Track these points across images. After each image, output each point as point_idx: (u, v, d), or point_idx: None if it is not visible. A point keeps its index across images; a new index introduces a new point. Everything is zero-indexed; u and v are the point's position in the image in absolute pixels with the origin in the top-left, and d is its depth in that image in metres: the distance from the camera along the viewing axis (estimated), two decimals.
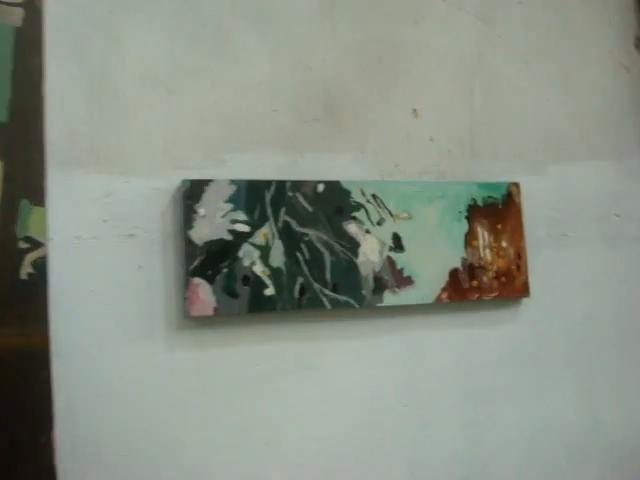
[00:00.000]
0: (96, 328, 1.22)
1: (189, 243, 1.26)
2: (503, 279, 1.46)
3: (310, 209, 1.34)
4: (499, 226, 1.47)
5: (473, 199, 1.46)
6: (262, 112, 1.37)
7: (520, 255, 1.48)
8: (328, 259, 1.34)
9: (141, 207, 1.27)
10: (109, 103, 1.28)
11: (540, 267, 1.53)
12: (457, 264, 1.43)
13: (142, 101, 1.30)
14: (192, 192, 1.27)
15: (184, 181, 1.27)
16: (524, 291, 1.48)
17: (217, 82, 1.35)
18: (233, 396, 1.28)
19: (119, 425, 1.21)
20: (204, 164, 1.32)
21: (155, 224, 1.28)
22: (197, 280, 1.25)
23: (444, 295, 1.41)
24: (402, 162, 1.46)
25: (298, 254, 1.32)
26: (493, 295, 1.45)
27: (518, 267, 1.48)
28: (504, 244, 1.47)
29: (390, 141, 1.46)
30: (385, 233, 1.39)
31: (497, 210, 1.48)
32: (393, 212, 1.40)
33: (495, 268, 1.46)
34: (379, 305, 1.36)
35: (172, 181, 1.29)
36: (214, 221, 1.28)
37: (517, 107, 1.58)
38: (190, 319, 1.27)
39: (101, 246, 1.24)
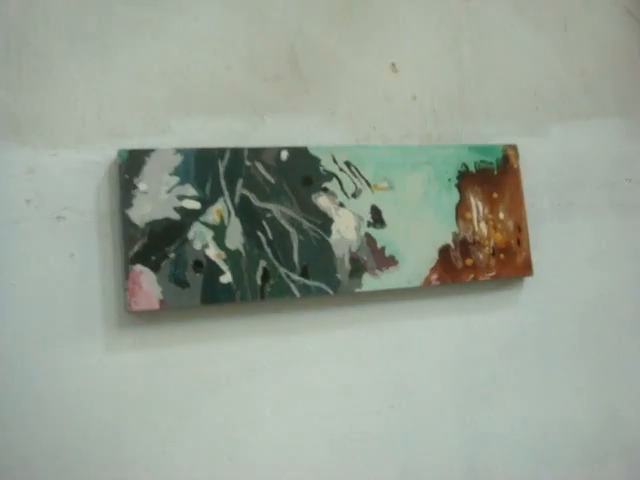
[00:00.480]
0: (19, 328, 1.03)
1: (128, 224, 1.06)
2: (502, 256, 1.27)
3: (272, 180, 1.14)
4: (495, 195, 1.28)
5: (464, 164, 1.26)
6: (214, 70, 1.17)
7: (520, 228, 1.28)
8: (295, 238, 1.14)
9: (71, 184, 1.08)
10: (30, 63, 1.08)
11: (544, 241, 1.33)
12: (448, 240, 1.23)
13: (70, 59, 1.10)
14: (130, 164, 1.08)
15: (121, 151, 1.08)
16: (526, 269, 1.29)
17: (159, 35, 1.15)
18: (186, 404, 1.09)
19: (50, 442, 1.02)
20: (145, 132, 1.12)
21: (88, 204, 1.08)
22: (139, 268, 1.06)
23: (433, 277, 1.21)
24: (380, 124, 1.26)
25: (259, 233, 1.12)
26: (491, 275, 1.25)
27: (519, 242, 1.28)
28: (502, 216, 1.28)
29: (366, 100, 1.26)
30: (362, 206, 1.19)
31: (492, 177, 1.28)
32: (371, 182, 1.20)
33: (492, 244, 1.26)
34: (357, 291, 1.16)
35: (107, 152, 1.09)
36: (158, 197, 1.08)
37: (512, 60, 1.38)
38: (132, 314, 1.07)
39: (24, 231, 1.05)
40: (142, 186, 1.07)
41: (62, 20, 1.10)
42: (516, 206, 1.29)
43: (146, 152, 1.08)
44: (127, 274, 1.05)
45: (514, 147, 1.30)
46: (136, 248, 1.06)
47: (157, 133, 1.13)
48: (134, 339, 1.08)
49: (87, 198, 1.08)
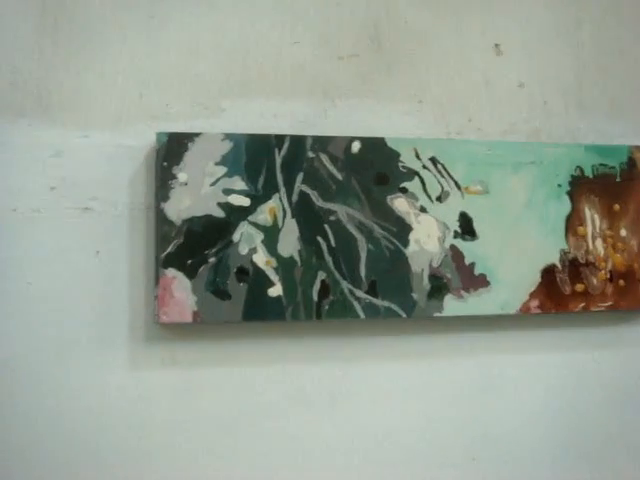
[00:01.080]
0: (33, 335, 0.90)
1: (162, 220, 0.90)
2: (622, 282, 1.03)
3: (339, 176, 0.95)
4: (617, 207, 1.04)
5: (578, 168, 1.03)
6: (279, 45, 0.99)
7: None
8: (364, 247, 0.95)
9: (102, 171, 0.93)
10: (67, 32, 0.93)
11: None
12: (554, 259, 1.01)
13: (112, 29, 0.95)
14: (170, 150, 0.91)
15: (159, 135, 0.91)
16: None
17: (217, 4, 0.98)
18: (218, 435, 0.92)
19: (62, 466, 0.89)
20: (193, 114, 0.96)
21: (120, 194, 0.93)
22: (171, 272, 0.89)
23: (534, 303, 0.99)
24: (477, 116, 1.05)
25: (320, 239, 0.94)
26: (606, 305, 1.02)
27: None
28: (624, 233, 1.04)
29: (461, 87, 1.05)
30: (449, 213, 0.98)
31: (614, 184, 1.05)
32: (461, 183, 0.99)
33: (610, 267, 1.03)
34: (437, 315, 0.96)
35: (147, 136, 0.93)
36: (200, 191, 0.91)
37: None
38: (162, 327, 0.91)
39: (45, 222, 0.91)
40: (182, 176, 0.91)
41: None
42: None
43: (189, 136, 0.92)
44: (157, 279, 0.89)
45: None
46: (170, 249, 0.89)
47: (206, 116, 0.96)
48: (163, 356, 0.91)
49: (119, 188, 0.93)
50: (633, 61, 1.11)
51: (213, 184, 0.92)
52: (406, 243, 0.96)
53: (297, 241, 0.93)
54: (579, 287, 1.01)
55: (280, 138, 0.94)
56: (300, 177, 0.94)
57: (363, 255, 0.94)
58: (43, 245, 0.90)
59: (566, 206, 1.02)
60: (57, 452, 0.88)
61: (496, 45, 1.06)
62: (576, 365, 1.03)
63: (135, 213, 0.93)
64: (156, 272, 0.89)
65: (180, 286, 0.89)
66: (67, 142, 0.92)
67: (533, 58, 1.07)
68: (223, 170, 0.92)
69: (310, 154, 0.95)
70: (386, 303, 0.94)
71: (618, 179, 1.05)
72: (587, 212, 1.03)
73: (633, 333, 1.06)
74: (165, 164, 0.91)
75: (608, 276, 1.02)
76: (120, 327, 0.90)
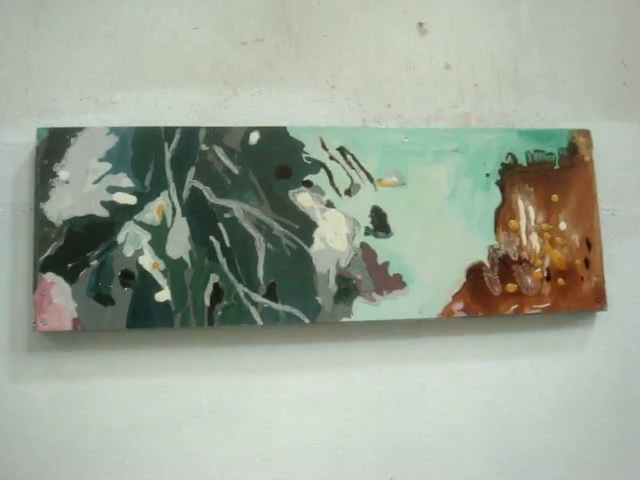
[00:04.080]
0: None
1: (42, 221, 0.84)
2: (561, 281, 0.92)
3: (236, 170, 0.88)
4: (555, 197, 0.94)
5: (510, 155, 0.93)
6: (176, 31, 0.93)
7: (591, 244, 0.93)
8: (262, 247, 0.87)
9: None
10: None
11: (623, 263, 0.97)
12: (481, 256, 0.91)
13: None
14: (51, 146, 0.86)
15: (40, 130, 0.86)
16: (598, 301, 0.93)
17: None
18: (104, 452, 0.85)
19: None
20: (82, 108, 0.90)
21: (2, 195, 0.87)
22: (50, 277, 0.83)
23: (457, 306, 0.89)
24: (398, 101, 0.96)
25: (213, 239, 0.86)
26: (543, 307, 0.91)
27: (587, 263, 0.93)
28: (563, 226, 0.93)
29: (379, 70, 0.96)
30: (359, 207, 0.90)
31: (551, 172, 0.94)
32: (374, 175, 0.90)
33: (548, 264, 0.92)
34: (345, 320, 0.87)
35: (31, 133, 0.88)
36: (82, 189, 0.85)
37: (592, 17, 1.02)
38: (43, 335, 0.85)
39: None
40: (63, 174, 0.85)
41: None
42: (585, 213, 0.94)
43: (71, 131, 0.86)
44: (36, 285, 0.83)
45: (586, 133, 0.95)
46: (49, 252, 0.84)
47: (96, 109, 0.90)
48: (45, 367, 0.85)
49: (1, 188, 0.87)
50: (577, 37, 1.00)
51: (96, 182, 0.86)
52: (310, 242, 0.88)
53: (188, 241, 0.86)
54: (510, 287, 0.91)
55: (170, 131, 0.87)
56: (192, 172, 0.87)
57: (261, 255, 0.87)
58: None
59: (496, 198, 0.92)
60: None
61: (420, 24, 0.97)
62: (512, 373, 0.92)
63: (18, 214, 0.87)
64: (34, 277, 0.84)
65: (59, 291, 0.83)
66: None
67: (462, 37, 0.98)
68: (108, 167, 0.86)
69: (203, 147, 0.88)
70: (287, 308, 0.86)
71: (557, 167, 0.94)
72: (520, 204, 0.93)
73: (575, 337, 0.94)
74: (45, 162, 0.85)
75: (545, 274, 0.92)
76: (2, 337, 0.85)
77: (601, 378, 0.94)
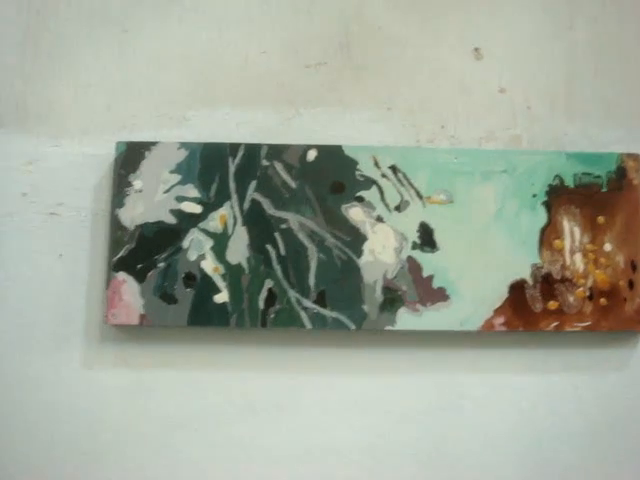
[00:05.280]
0: None
1: (116, 225, 0.93)
2: (603, 301, 0.94)
3: (293, 185, 0.95)
4: (601, 219, 0.96)
5: (558, 177, 0.96)
6: (246, 54, 1.00)
7: (636, 265, 0.95)
8: (314, 256, 0.93)
9: (70, 179, 0.98)
10: (47, 49, 1.00)
11: None
12: (524, 274, 0.94)
13: (87, 44, 1.00)
14: (128, 158, 0.95)
15: (119, 144, 0.95)
16: None
17: (187, 16, 1.01)
18: (163, 438, 0.93)
19: (18, 463, 0.92)
20: (158, 124, 0.99)
21: (84, 201, 0.97)
22: (122, 276, 0.92)
23: (498, 320, 0.93)
24: (451, 123, 1.00)
25: (269, 247, 0.93)
26: (584, 325, 0.94)
27: (631, 284, 0.95)
28: (608, 247, 0.95)
29: (435, 93, 1.01)
30: (408, 223, 0.95)
31: (599, 195, 0.96)
32: (423, 193, 0.95)
33: (590, 284, 0.95)
34: (389, 328, 0.92)
35: (112, 146, 0.96)
36: (154, 198, 0.94)
37: None
38: (114, 328, 0.94)
39: (16, 226, 0.97)
40: (137, 184, 0.94)
41: (85, 2, 1.01)
42: (631, 236, 0.95)
43: (146, 145, 0.95)
44: (108, 282, 0.92)
45: (636, 157, 0.97)
46: (121, 253, 0.93)
47: (171, 126, 0.98)
48: (115, 356, 0.94)
49: (84, 194, 0.97)
50: (631, 62, 1.01)
51: (166, 191, 0.94)
52: (360, 253, 0.94)
53: (246, 249, 0.93)
54: (552, 305, 0.94)
55: (234, 146, 0.95)
56: (253, 185, 0.94)
57: (313, 264, 0.93)
58: (13, 247, 0.96)
59: (541, 218, 0.95)
60: (9, 446, 0.92)
61: (475, 49, 1.01)
62: (550, 389, 0.94)
63: (97, 218, 0.96)
64: (107, 275, 0.93)
65: (129, 289, 0.92)
66: (39, 151, 0.97)
67: (517, 62, 1.01)
68: (177, 178, 0.95)
69: (264, 162, 0.95)
70: (335, 314, 0.92)
71: (604, 189, 0.96)
72: (565, 224, 0.96)
73: (617, 357, 0.95)
74: (122, 172, 0.94)
75: (587, 294, 0.94)
76: (77, 326, 0.94)
77: None
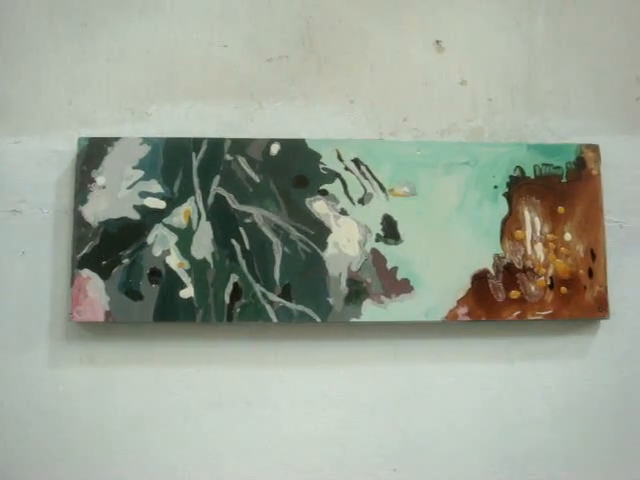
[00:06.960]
0: None
1: (80, 222, 0.93)
2: (564, 289, 0.96)
3: (257, 179, 0.95)
4: (561, 209, 0.98)
5: (518, 168, 0.98)
6: (207, 48, 1.00)
7: (595, 254, 0.97)
8: (279, 250, 0.94)
9: (32, 175, 0.97)
10: (7, 44, 0.99)
11: (627, 273, 1.00)
12: (487, 264, 0.96)
13: (47, 40, 0.99)
14: (90, 154, 0.94)
15: (80, 140, 0.95)
16: (600, 309, 0.96)
17: (147, 11, 1.00)
18: (130, 435, 0.93)
19: None
20: (120, 119, 0.99)
21: (46, 198, 0.97)
22: (86, 273, 0.92)
23: (462, 310, 0.94)
24: (414, 115, 1.01)
25: (234, 242, 0.94)
26: (545, 314, 0.95)
27: (591, 272, 0.97)
28: (568, 237, 0.97)
29: (397, 85, 1.01)
30: (371, 215, 0.96)
31: (558, 185, 0.98)
32: (386, 185, 0.96)
33: (551, 272, 0.96)
34: (354, 320, 0.93)
35: (74, 141, 0.96)
36: (117, 194, 0.94)
37: (605, 34, 1.05)
38: (80, 326, 0.94)
39: None
40: (100, 180, 0.94)
41: None
42: (591, 225, 0.97)
43: (109, 141, 0.94)
44: (73, 279, 0.92)
45: (595, 148, 0.99)
46: (85, 250, 0.92)
47: (133, 120, 0.98)
48: (80, 354, 0.94)
49: (46, 191, 0.96)
50: (590, 54, 1.03)
51: (130, 187, 0.94)
52: (324, 246, 0.94)
53: (211, 243, 0.93)
54: (514, 294, 0.95)
55: (197, 141, 0.95)
56: (217, 180, 0.94)
57: (278, 258, 0.94)
58: None
59: (503, 209, 0.97)
60: None
61: (437, 41, 1.02)
62: (514, 376, 0.96)
63: (60, 215, 0.96)
64: (72, 272, 0.93)
65: (94, 286, 0.92)
66: (0, 147, 0.97)
67: (477, 54, 1.02)
68: (140, 174, 0.94)
69: (228, 157, 0.95)
70: (300, 307, 0.93)
71: (564, 180, 0.98)
72: (527, 215, 0.97)
73: (577, 344, 0.97)
74: (85, 168, 0.94)
75: (548, 283, 0.96)
76: (42, 324, 0.94)
77: (602, 383, 0.97)
